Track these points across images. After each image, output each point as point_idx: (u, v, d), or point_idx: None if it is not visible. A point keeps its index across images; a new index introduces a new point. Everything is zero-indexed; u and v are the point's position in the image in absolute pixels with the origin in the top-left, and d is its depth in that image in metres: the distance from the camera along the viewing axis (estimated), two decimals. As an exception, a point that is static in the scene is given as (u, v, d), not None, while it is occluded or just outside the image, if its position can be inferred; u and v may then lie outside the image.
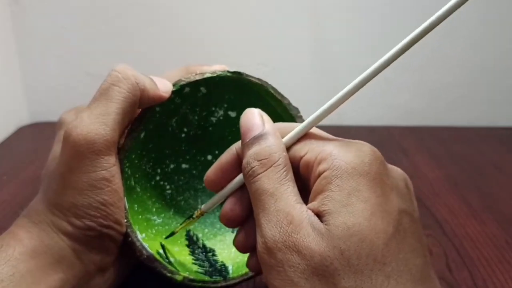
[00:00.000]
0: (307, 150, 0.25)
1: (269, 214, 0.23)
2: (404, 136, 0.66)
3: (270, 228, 0.22)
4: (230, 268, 0.34)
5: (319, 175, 0.23)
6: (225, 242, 0.37)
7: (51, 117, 0.67)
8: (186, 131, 0.38)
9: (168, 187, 0.38)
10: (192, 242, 0.36)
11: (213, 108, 0.38)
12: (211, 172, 0.28)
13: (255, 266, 0.28)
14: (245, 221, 0.28)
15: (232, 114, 0.38)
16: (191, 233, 0.37)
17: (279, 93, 0.34)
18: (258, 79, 0.34)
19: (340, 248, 0.21)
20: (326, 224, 0.22)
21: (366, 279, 0.21)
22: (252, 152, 0.25)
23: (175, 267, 0.32)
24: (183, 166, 0.39)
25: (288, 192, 0.23)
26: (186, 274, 0.31)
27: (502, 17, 0.64)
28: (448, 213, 0.46)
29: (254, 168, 0.24)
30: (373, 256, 0.21)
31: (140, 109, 0.32)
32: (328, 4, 0.63)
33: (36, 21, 0.64)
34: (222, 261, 0.35)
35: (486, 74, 0.68)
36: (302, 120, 0.34)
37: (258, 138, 0.25)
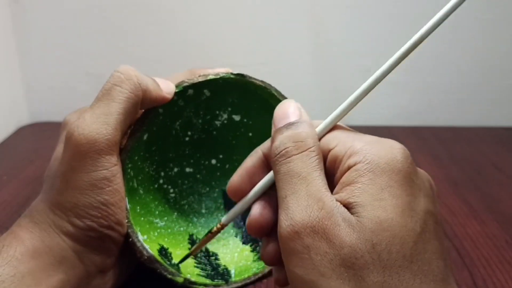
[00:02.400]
0: (337, 143, 0.24)
1: (300, 198, 0.22)
2: (405, 136, 0.66)
3: (299, 211, 0.22)
4: (232, 272, 0.34)
5: (349, 167, 0.23)
6: (228, 247, 0.37)
7: (51, 117, 0.67)
8: (190, 135, 0.38)
9: (171, 190, 0.38)
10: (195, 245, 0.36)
11: (217, 112, 0.37)
12: (235, 178, 0.27)
13: (285, 279, 0.26)
14: (271, 231, 0.26)
15: (236, 118, 0.38)
16: (194, 237, 0.37)
17: (282, 95, 0.34)
18: (262, 81, 0.34)
19: (372, 241, 0.21)
20: (357, 216, 0.22)
21: (394, 275, 0.21)
22: (287, 134, 0.24)
23: (177, 269, 0.32)
24: (187, 170, 0.39)
25: (320, 179, 0.23)
26: (187, 276, 0.31)
27: (502, 17, 0.64)
28: (448, 213, 0.46)
29: (288, 149, 0.24)
30: (403, 253, 0.21)
31: (143, 110, 0.32)
32: (328, 4, 0.63)
33: (36, 21, 0.64)
34: (224, 265, 0.35)
35: (486, 74, 0.68)
36: None
37: (293, 123, 0.25)
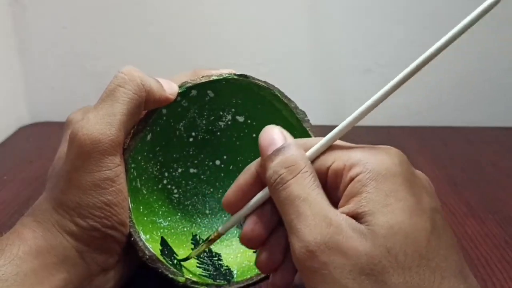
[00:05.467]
0: (334, 159, 0.25)
1: (306, 219, 0.23)
2: (404, 136, 0.66)
3: (309, 232, 0.22)
4: (235, 272, 0.34)
5: (351, 179, 0.23)
6: (231, 247, 0.37)
7: (52, 117, 0.67)
8: (194, 136, 0.38)
9: (175, 191, 0.38)
10: (198, 246, 0.36)
11: (221, 113, 0.38)
12: (230, 193, 0.28)
13: (283, 285, 0.28)
14: (266, 241, 0.28)
15: (240, 119, 0.38)
16: (197, 237, 0.37)
17: (286, 97, 0.34)
18: (265, 82, 0.34)
19: (386, 246, 0.21)
20: (367, 225, 0.22)
21: (414, 274, 0.21)
22: (277, 162, 0.25)
23: (179, 269, 0.32)
24: (191, 170, 0.39)
25: (320, 197, 0.24)
26: (189, 276, 0.31)
27: (502, 16, 0.64)
28: (447, 213, 0.46)
29: (282, 175, 0.24)
30: (418, 252, 0.21)
31: (146, 111, 0.32)
32: (328, 4, 0.63)
33: (37, 21, 0.64)
34: (227, 265, 0.35)
35: (486, 74, 0.68)
36: (309, 124, 0.34)
37: (281, 149, 0.25)
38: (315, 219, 0.23)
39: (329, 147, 0.26)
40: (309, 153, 0.26)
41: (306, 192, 0.23)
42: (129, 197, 0.30)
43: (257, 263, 0.28)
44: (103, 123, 0.27)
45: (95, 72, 0.66)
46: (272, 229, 0.28)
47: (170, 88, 0.31)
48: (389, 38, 0.63)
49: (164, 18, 0.64)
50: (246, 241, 0.27)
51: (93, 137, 0.27)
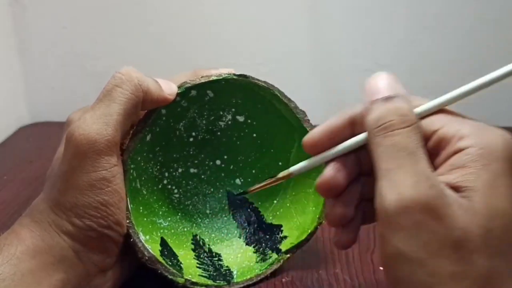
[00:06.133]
0: (443, 125, 0.24)
1: (407, 173, 0.22)
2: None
3: (408, 187, 0.22)
4: (235, 273, 0.34)
5: (458, 150, 0.23)
6: (232, 247, 0.37)
7: (52, 117, 0.67)
8: (194, 136, 0.38)
9: (176, 191, 0.38)
10: (198, 247, 0.36)
11: (221, 113, 0.38)
12: (316, 133, 0.27)
13: (347, 242, 0.27)
14: (343, 192, 0.27)
15: (240, 118, 0.38)
16: (198, 237, 0.37)
17: (286, 96, 0.34)
18: (265, 82, 0.34)
19: (485, 227, 0.21)
20: (469, 200, 0.21)
21: (501, 262, 0.21)
22: (388, 108, 0.24)
23: (178, 270, 0.32)
24: (192, 170, 0.39)
25: (425, 158, 0.23)
26: (188, 277, 0.31)
27: (502, 16, 0.64)
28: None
29: (393, 122, 0.23)
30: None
31: (146, 111, 0.32)
32: (328, 4, 0.63)
33: (37, 21, 0.64)
34: (227, 266, 0.35)
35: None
36: (309, 123, 0.35)
37: (393, 97, 0.24)
38: (417, 176, 0.22)
39: (438, 111, 0.25)
40: (419, 109, 0.25)
41: (414, 147, 0.22)
42: (128, 198, 0.30)
43: (328, 216, 0.27)
44: (99, 123, 0.28)
45: (95, 72, 0.66)
46: (350, 182, 0.27)
47: (168, 88, 0.31)
48: (389, 38, 0.63)
49: (164, 18, 0.64)
50: (325, 189, 0.26)
51: (90, 137, 0.27)
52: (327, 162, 0.27)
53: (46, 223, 0.28)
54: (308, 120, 0.34)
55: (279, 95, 0.34)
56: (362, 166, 0.27)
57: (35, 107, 0.68)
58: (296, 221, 0.36)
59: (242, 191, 0.32)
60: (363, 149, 0.26)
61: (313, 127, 0.34)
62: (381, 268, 0.35)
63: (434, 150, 0.24)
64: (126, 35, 0.65)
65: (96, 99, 0.29)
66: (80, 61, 0.66)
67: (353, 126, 0.26)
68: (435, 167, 0.23)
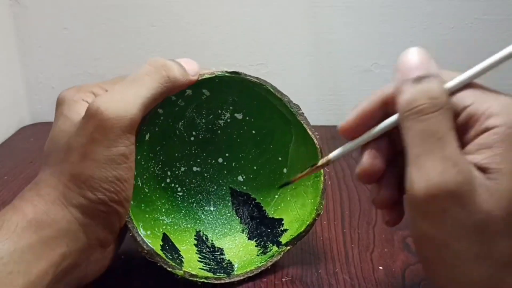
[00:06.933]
0: (473, 101, 0.23)
1: (436, 159, 0.22)
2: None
3: (436, 174, 0.22)
4: (236, 266, 0.35)
5: (487, 129, 0.22)
6: (234, 242, 0.37)
7: (52, 117, 0.67)
8: (195, 135, 0.39)
9: (179, 189, 0.39)
10: (201, 242, 0.37)
11: (220, 111, 0.38)
12: (352, 117, 0.27)
13: (397, 219, 0.28)
14: (382, 176, 0.27)
15: (239, 116, 0.38)
16: (201, 233, 0.38)
17: (279, 91, 0.34)
18: (257, 78, 0.34)
19: (508, 210, 0.21)
20: (496, 183, 0.21)
21: None
22: (420, 90, 0.23)
23: (179, 263, 0.32)
24: (195, 169, 0.39)
25: (455, 141, 0.22)
26: (188, 270, 0.32)
27: (502, 17, 0.64)
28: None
29: (425, 106, 0.23)
30: None
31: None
32: (328, 4, 0.63)
33: (38, 22, 0.64)
34: (229, 259, 0.36)
35: (486, 75, 0.68)
36: (303, 117, 0.35)
37: (425, 77, 0.24)
38: (445, 162, 0.22)
39: (470, 86, 0.24)
40: (449, 85, 0.24)
41: (444, 131, 0.22)
42: None
43: (375, 200, 0.28)
44: (127, 102, 0.28)
45: (96, 73, 0.66)
46: (387, 164, 0.27)
47: (192, 70, 0.32)
48: (389, 38, 0.63)
49: (164, 19, 0.64)
50: (366, 176, 0.27)
51: (117, 113, 0.28)
52: (363, 146, 0.27)
53: (53, 196, 0.28)
54: (303, 113, 0.35)
55: (272, 90, 0.34)
56: (395, 147, 0.27)
57: (35, 108, 0.68)
58: (296, 214, 0.36)
59: (285, 181, 0.33)
60: (395, 129, 0.26)
61: (307, 120, 0.34)
62: (380, 267, 0.35)
63: (464, 126, 0.23)
64: (126, 36, 0.65)
65: (123, 79, 0.30)
66: (81, 62, 0.66)
67: (386, 106, 0.26)
68: (464, 144, 0.23)
